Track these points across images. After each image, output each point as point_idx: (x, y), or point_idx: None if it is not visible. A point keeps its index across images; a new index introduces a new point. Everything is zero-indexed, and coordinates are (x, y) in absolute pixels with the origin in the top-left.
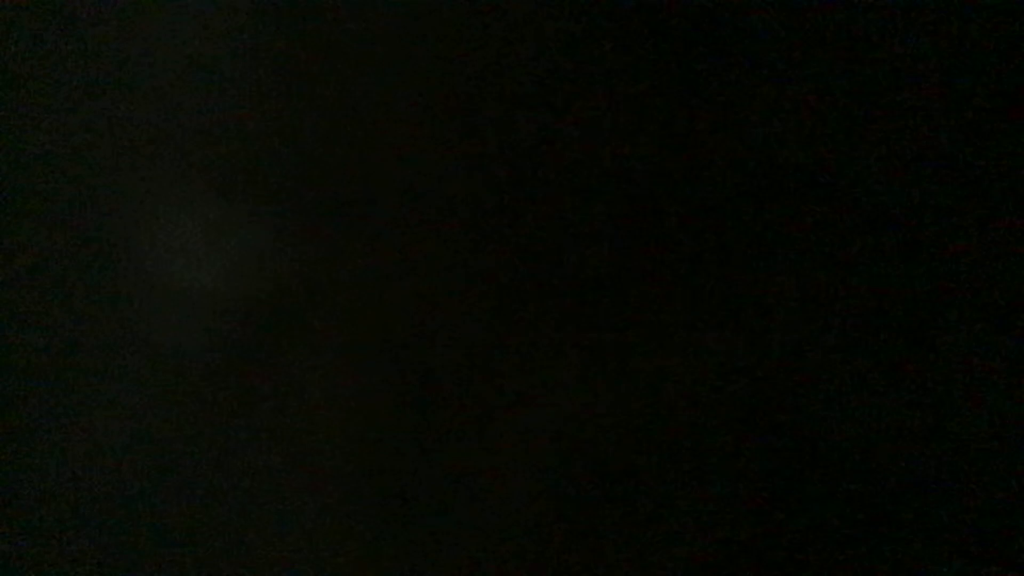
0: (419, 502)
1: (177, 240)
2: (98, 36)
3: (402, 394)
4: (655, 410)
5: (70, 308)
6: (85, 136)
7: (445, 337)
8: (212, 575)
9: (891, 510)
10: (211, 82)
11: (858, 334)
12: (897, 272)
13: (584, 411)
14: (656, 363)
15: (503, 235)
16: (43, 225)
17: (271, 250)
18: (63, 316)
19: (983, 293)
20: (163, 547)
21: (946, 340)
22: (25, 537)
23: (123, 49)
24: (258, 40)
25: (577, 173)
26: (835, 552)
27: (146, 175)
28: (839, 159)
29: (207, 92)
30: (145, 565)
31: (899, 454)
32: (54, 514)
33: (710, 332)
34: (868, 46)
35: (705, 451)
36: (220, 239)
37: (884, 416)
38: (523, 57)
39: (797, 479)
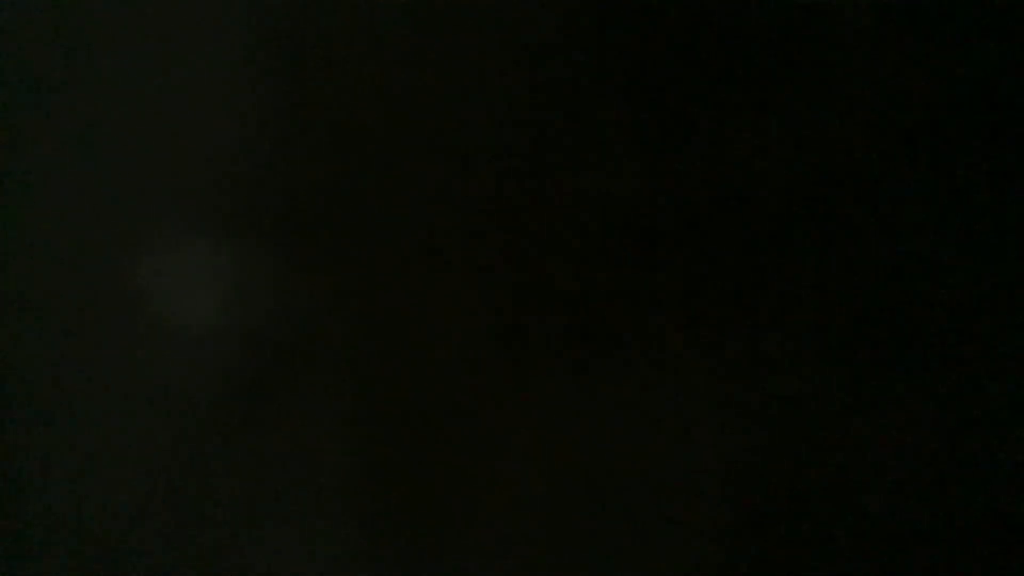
0: (422, 527)
1: (179, 274)
2: (98, 71)
3: (404, 424)
4: (649, 431)
5: (70, 343)
6: (87, 171)
7: (446, 369)
8: None
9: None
10: (209, 114)
11: (858, 361)
12: (896, 292)
13: (577, 440)
14: (651, 383)
15: (504, 270)
16: (44, 259)
17: (272, 282)
18: (64, 351)
19: (986, 316)
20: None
21: (947, 362)
22: (33, 570)
23: (126, 80)
24: (262, 73)
25: (572, 204)
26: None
27: (147, 212)
28: (843, 174)
29: (206, 127)
30: None
31: (903, 494)
32: (60, 549)
33: (706, 350)
34: (870, 52)
35: (697, 478)
36: (222, 272)
37: (881, 457)
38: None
39: (793, 510)
